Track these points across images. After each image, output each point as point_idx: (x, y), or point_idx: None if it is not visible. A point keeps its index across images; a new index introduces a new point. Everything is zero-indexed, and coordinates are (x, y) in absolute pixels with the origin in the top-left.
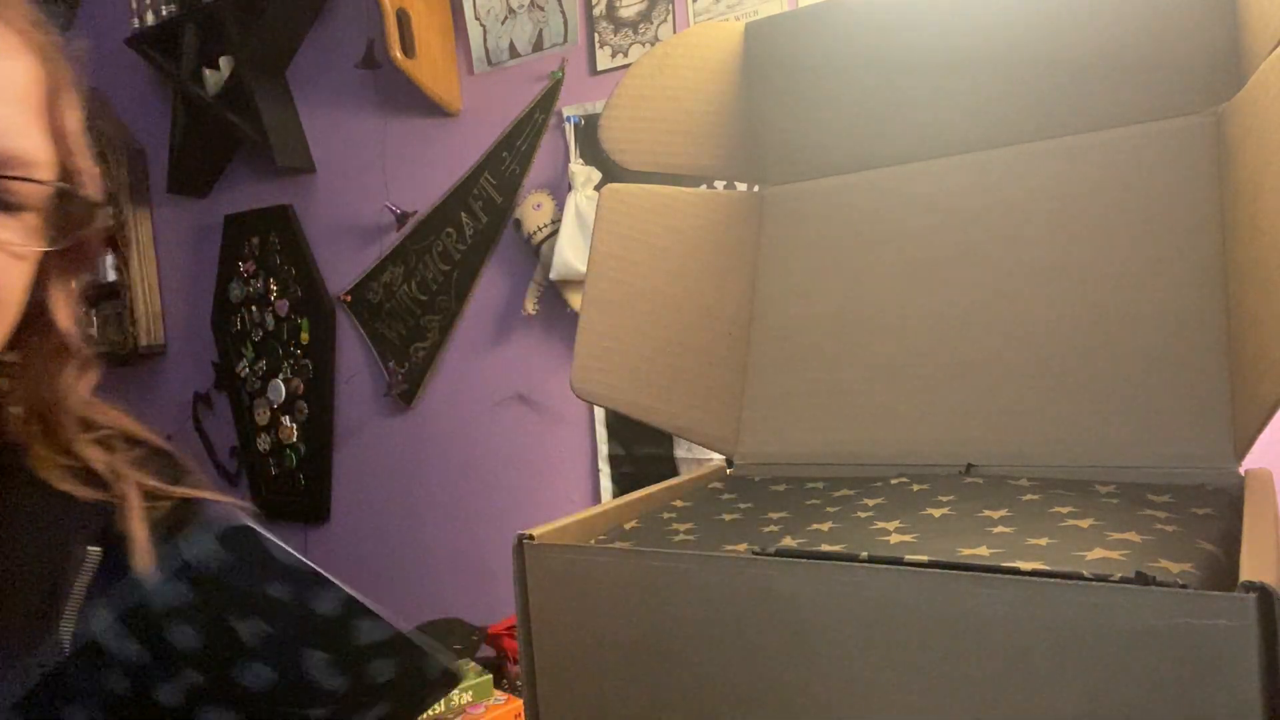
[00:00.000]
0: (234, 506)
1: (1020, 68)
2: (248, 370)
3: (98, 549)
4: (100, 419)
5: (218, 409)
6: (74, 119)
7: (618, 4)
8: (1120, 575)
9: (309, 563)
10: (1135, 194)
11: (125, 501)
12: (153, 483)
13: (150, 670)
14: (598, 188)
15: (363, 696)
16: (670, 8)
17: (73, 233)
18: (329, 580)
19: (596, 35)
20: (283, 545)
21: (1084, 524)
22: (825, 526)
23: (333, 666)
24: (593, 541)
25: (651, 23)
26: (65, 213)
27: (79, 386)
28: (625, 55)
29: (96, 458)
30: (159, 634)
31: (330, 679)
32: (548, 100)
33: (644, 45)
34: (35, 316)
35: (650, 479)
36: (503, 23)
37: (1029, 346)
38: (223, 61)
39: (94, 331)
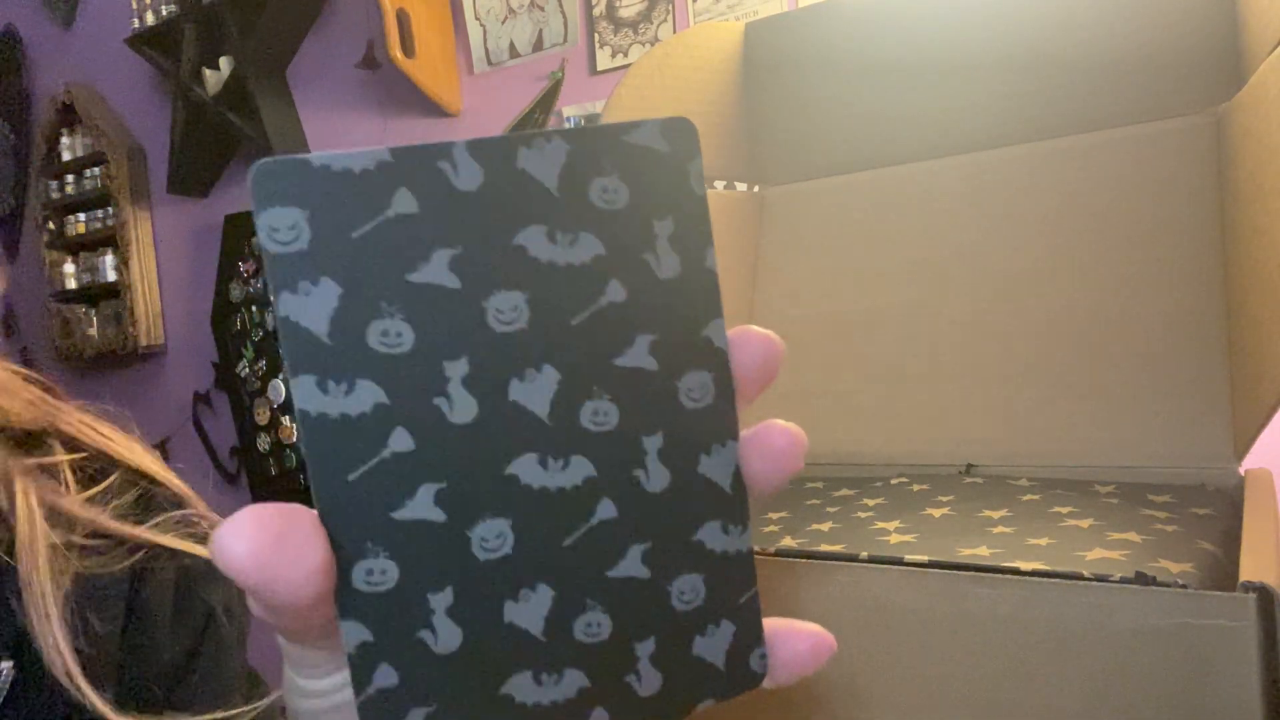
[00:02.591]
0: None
1: (1020, 68)
2: (248, 370)
3: (9, 664)
4: None
5: (218, 409)
6: None
7: (618, 4)
8: (1120, 575)
9: None
10: (1135, 194)
11: (25, 545)
12: (91, 513)
13: None
14: None
15: None
16: (670, 8)
17: None
18: None
19: (596, 35)
20: None
21: (1084, 524)
22: (825, 526)
23: None
24: None
25: (651, 23)
26: None
27: None
28: (625, 55)
29: None
30: None
31: None
32: (548, 100)
33: (644, 45)
34: None
35: None
36: (503, 23)
37: (1029, 346)
38: (223, 61)
39: (94, 331)
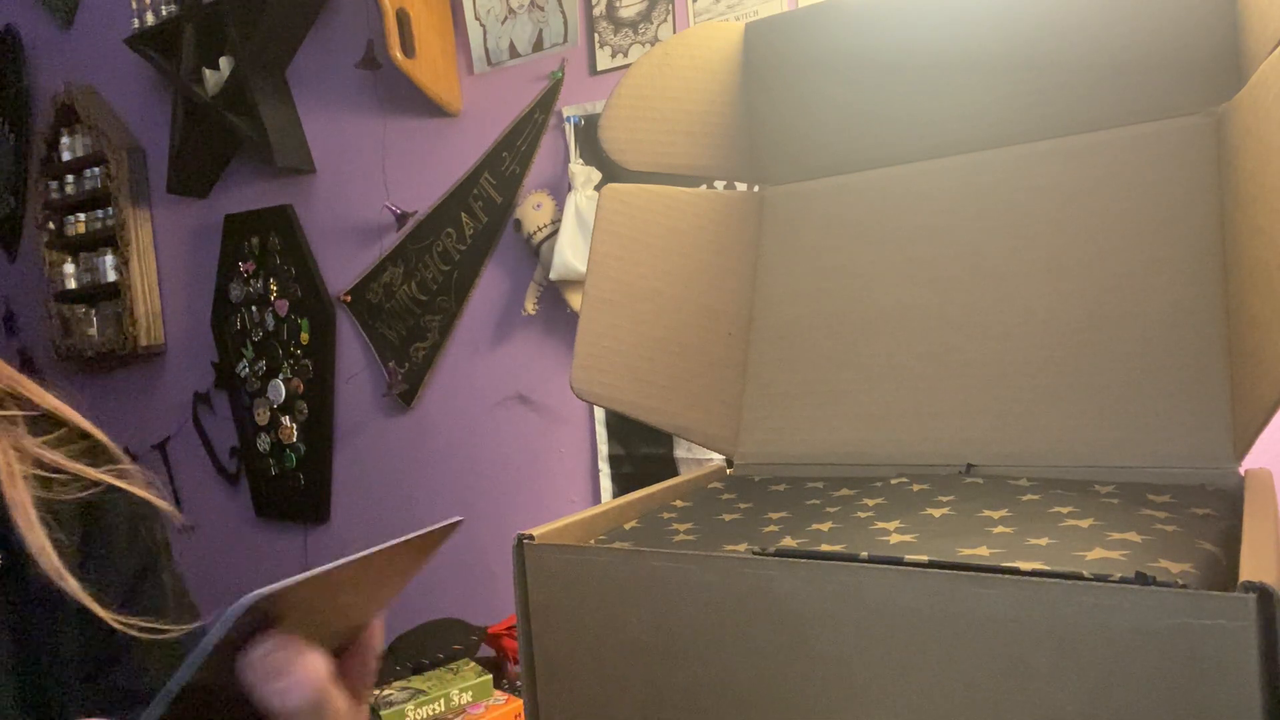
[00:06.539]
0: (153, 501)
1: (1020, 68)
2: (248, 370)
3: None
4: None
5: (218, 409)
6: None
7: (618, 4)
8: (1120, 575)
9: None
10: (1135, 194)
11: (5, 474)
12: (52, 454)
13: None
14: (598, 188)
15: None
16: (670, 8)
17: None
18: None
19: (596, 35)
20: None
21: (1084, 524)
22: (825, 526)
23: None
24: (593, 541)
25: (651, 23)
26: None
27: None
28: (625, 55)
29: None
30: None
31: None
32: (548, 100)
33: (644, 45)
34: None
35: (650, 479)
36: (503, 23)
37: (1029, 346)
38: (223, 61)
39: (94, 331)
